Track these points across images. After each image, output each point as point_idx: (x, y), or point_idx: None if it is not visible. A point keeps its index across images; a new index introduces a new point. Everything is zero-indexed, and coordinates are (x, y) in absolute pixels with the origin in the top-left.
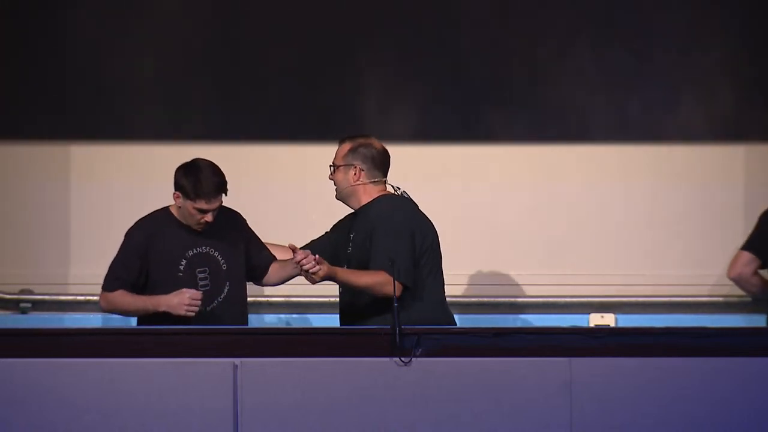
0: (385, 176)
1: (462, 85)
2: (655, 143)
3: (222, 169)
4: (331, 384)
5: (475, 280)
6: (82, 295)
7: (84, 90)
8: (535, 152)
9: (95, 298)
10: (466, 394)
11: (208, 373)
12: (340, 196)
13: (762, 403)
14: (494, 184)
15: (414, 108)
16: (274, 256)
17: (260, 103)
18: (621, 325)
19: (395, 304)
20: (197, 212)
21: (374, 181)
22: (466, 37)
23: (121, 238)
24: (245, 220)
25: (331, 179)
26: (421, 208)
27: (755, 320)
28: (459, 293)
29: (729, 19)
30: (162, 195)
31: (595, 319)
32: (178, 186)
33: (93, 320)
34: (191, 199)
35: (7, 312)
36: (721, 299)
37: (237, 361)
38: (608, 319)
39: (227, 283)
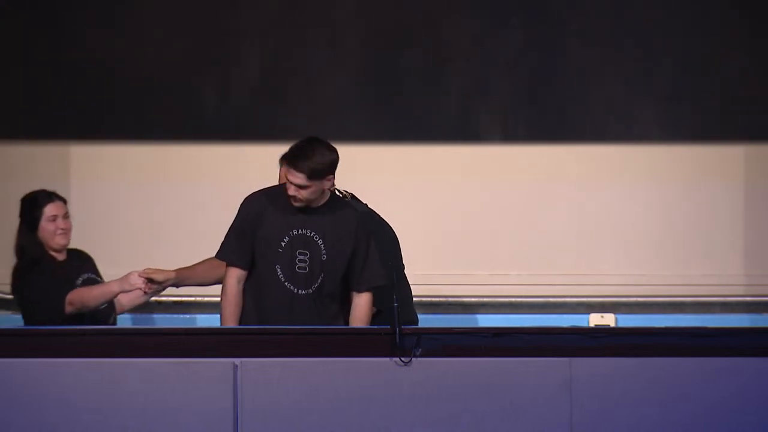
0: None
1: (460, 85)
2: (655, 143)
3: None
4: (331, 384)
5: (475, 279)
6: None
7: (84, 90)
8: (534, 152)
9: None
10: (466, 394)
11: (208, 373)
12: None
13: (762, 403)
14: (494, 184)
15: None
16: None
17: (261, 104)
18: (621, 325)
19: (395, 304)
20: (287, 181)
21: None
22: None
23: (120, 239)
24: (368, 233)
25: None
26: (421, 207)
27: (755, 320)
28: (459, 293)
29: (729, 18)
30: (162, 194)
31: (595, 319)
32: None
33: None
34: (283, 164)
35: (7, 312)
36: (721, 299)
37: (237, 361)
38: (608, 319)
39: (322, 275)
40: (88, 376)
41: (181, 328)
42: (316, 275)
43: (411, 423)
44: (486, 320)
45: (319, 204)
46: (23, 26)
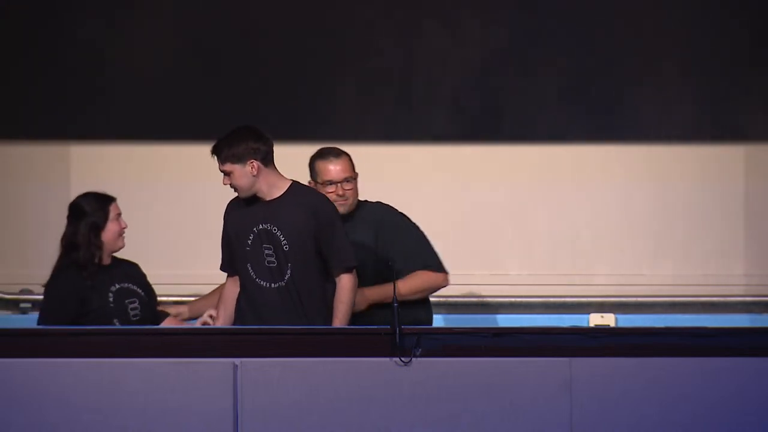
0: None
1: (458, 85)
2: (656, 143)
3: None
4: (331, 384)
5: (475, 280)
6: None
7: (84, 90)
8: (534, 152)
9: None
10: (466, 394)
11: (208, 373)
12: (352, 207)
13: (762, 403)
14: (494, 184)
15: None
16: (343, 264)
17: (261, 103)
18: (621, 325)
19: (395, 304)
20: None
21: None
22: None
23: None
24: (332, 213)
25: (346, 191)
26: (421, 207)
27: (755, 320)
28: (459, 293)
29: (729, 18)
30: (162, 194)
31: (595, 319)
32: None
33: None
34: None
35: (7, 312)
36: (721, 299)
37: (237, 361)
38: (608, 319)
39: (288, 265)
40: (88, 376)
41: (181, 328)
42: (283, 267)
43: (411, 423)
44: (486, 320)
45: (276, 195)
46: (23, 26)
